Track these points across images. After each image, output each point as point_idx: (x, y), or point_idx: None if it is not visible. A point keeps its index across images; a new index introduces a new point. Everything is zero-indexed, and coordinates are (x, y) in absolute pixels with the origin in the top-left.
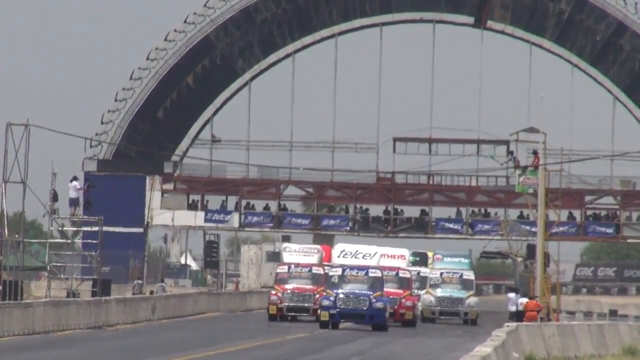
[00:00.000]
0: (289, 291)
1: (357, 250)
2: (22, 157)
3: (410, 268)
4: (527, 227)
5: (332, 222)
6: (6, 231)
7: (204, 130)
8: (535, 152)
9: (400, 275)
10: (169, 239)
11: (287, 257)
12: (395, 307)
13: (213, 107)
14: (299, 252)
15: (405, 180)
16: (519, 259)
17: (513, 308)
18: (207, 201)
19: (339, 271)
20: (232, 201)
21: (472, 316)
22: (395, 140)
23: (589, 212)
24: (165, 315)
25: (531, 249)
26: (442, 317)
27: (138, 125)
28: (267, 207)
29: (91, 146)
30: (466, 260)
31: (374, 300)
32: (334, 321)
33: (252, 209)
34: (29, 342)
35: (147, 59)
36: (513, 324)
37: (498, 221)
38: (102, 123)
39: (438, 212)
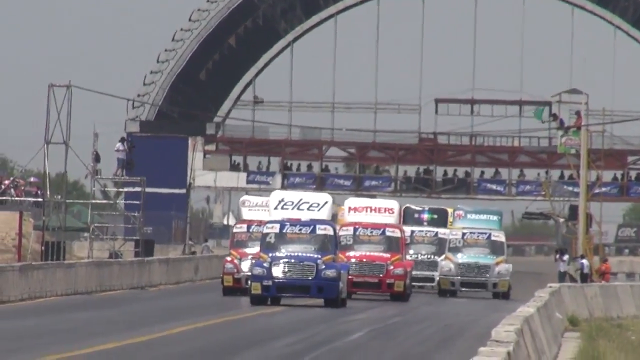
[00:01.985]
0: (248, 257)
1: (300, 200)
2: (64, 118)
3: (426, 228)
4: (570, 188)
5: (374, 182)
6: (48, 192)
7: (246, 92)
8: (577, 113)
9: (388, 234)
10: (212, 200)
11: (246, 214)
12: (382, 275)
13: (255, 68)
14: (261, 207)
15: (448, 141)
16: (561, 220)
17: (563, 269)
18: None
19: (277, 227)
20: (274, 162)
21: (503, 288)
22: (437, 101)
23: (632, 173)
24: (208, 276)
25: (573, 210)
26: (465, 289)
27: (180, 86)
28: (310, 167)
29: (133, 107)
30: (495, 218)
31: (323, 267)
32: (270, 295)
33: (297, 170)
34: (71, 302)
35: (189, 20)
36: (556, 285)
37: (540, 182)
38: (144, 84)
39: (480, 173)
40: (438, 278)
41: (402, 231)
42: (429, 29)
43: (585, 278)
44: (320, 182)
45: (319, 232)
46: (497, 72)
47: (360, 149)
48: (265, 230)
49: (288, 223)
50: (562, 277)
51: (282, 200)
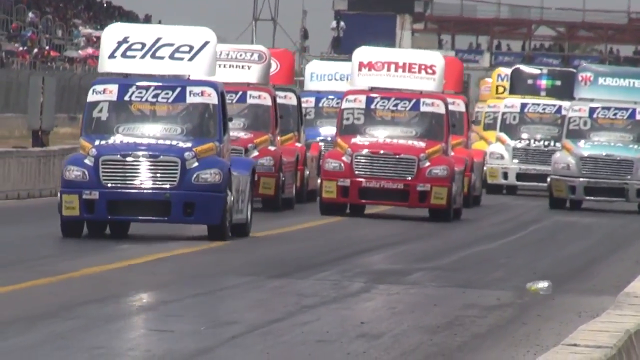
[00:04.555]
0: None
1: (157, 40)
2: None
3: (544, 101)
4: None
5: (582, 62)
6: None
7: None
8: None
9: (425, 108)
10: None
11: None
12: (410, 178)
13: None
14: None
15: None
16: None
17: None
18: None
19: (113, 93)
20: (482, 41)
21: None
22: None
23: None
24: None
25: None
26: (590, 198)
27: None
28: (509, 47)
29: None
30: None
31: (195, 165)
32: (97, 218)
33: (503, 49)
34: None
35: None
36: None
37: None
38: None
39: None
40: (549, 179)
41: (445, 102)
42: None
43: None
44: (529, 61)
45: (191, 99)
46: None
47: (569, 29)
48: (90, 98)
49: (134, 84)
50: None
51: (126, 40)
